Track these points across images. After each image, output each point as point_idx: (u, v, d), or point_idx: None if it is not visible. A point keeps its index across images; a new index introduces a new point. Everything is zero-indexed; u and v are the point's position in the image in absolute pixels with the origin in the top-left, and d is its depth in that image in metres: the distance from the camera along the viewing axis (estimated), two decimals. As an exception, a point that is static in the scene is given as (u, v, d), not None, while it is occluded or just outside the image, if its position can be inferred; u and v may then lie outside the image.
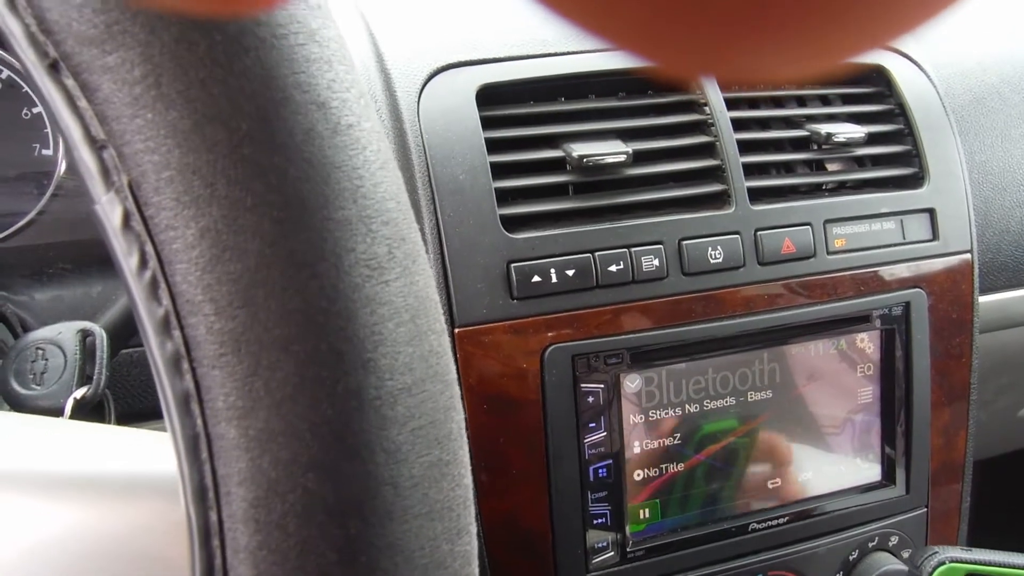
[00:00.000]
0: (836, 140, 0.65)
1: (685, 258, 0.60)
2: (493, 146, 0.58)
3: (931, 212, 0.68)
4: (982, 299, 0.73)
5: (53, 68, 0.23)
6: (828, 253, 0.65)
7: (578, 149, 0.59)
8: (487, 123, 0.58)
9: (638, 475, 0.61)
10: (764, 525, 0.65)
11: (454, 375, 0.27)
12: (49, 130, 0.60)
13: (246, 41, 0.22)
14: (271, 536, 0.22)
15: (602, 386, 0.59)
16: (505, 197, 0.58)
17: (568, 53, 0.63)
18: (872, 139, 0.67)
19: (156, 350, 0.23)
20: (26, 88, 0.60)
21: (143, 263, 0.23)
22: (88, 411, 0.41)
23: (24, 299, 0.55)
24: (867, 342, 0.67)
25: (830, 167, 0.69)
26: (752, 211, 0.62)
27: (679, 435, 0.62)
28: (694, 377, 0.62)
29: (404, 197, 0.27)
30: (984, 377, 0.74)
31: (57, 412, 0.40)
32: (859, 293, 0.66)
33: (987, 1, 0.87)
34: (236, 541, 0.23)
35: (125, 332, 0.46)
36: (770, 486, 0.66)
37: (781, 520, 0.66)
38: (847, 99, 0.70)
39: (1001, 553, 0.56)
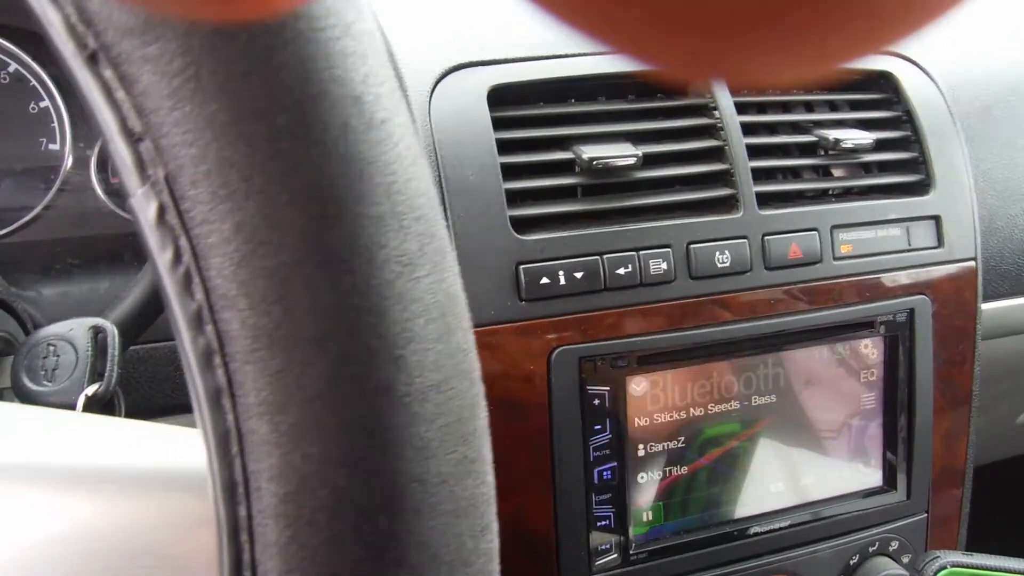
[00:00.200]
0: (844, 146, 0.65)
1: (693, 262, 0.60)
2: (503, 147, 0.58)
3: (937, 219, 0.68)
4: (984, 306, 0.73)
5: (92, 59, 0.23)
6: (834, 259, 0.65)
7: (588, 151, 0.59)
8: (498, 124, 0.58)
9: (642, 478, 0.61)
10: (766, 529, 0.65)
11: (479, 373, 0.27)
12: (56, 125, 0.60)
13: (284, 34, 0.22)
14: (301, 532, 0.22)
15: (608, 389, 0.59)
16: (514, 198, 0.58)
17: (579, 55, 0.63)
18: (879, 145, 0.68)
19: (188, 344, 0.23)
20: (33, 82, 0.60)
21: (177, 257, 0.23)
22: (99, 408, 0.41)
23: (32, 295, 0.55)
24: (871, 348, 0.67)
25: (836, 173, 0.69)
26: (760, 216, 0.63)
27: (683, 438, 0.62)
28: (699, 381, 0.62)
29: (433, 193, 0.27)
30: (983, 384, 0.74)
31: (69, 409, 0.40)
32: (864, 299, 0.66)
33: (994, 9, 0.88)
34: (265, 536, 0.22)
35: (134, 329, 0.45)
36: (772, 490, 0.66)
37: (783, 524, 0.66)
38: (855, 105, 0.70)
39: (1001, 558, 0.56)
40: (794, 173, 0.67)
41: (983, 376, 0.73)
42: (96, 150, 0.60)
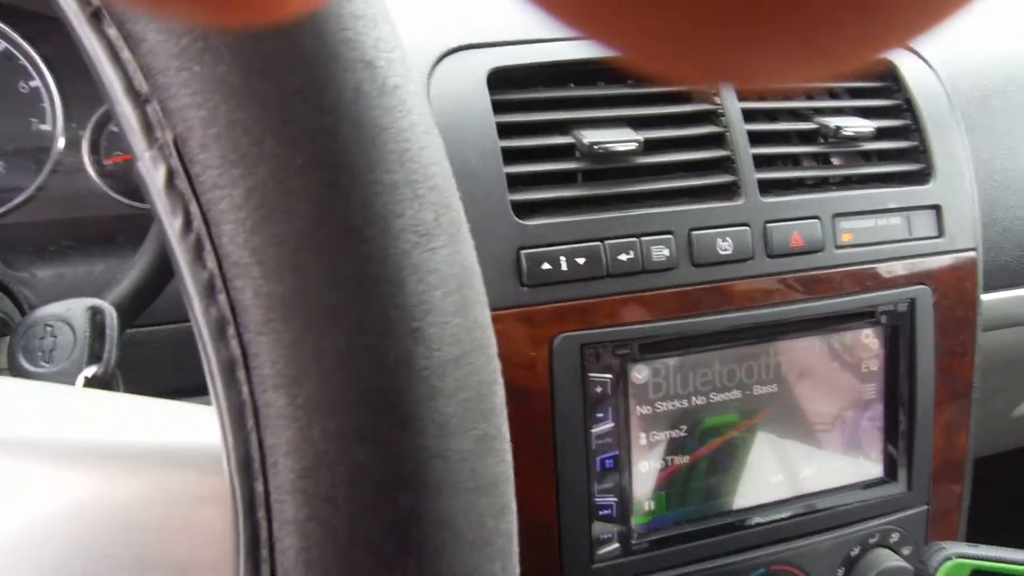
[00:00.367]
0: (844, 134, 0.65)
1: (695, 248, 0.60)
2: (504, 131, 0.57)
3: (937, 209, 0.68)
4: (983, 298, 0.73)
5: (95, 17, 0.22)
6: (836, 247, 0.64)
7: (589, 136, 0.58)
8: (498, 107, 0.58)
9: (644, 467, 0.61)
10: (766, 520, 0.65)
11: (496, 349, 0.27)
12: (47, 104, 0.59)
13: None
14: (319, 509, 0.21)
15: (610, 376, 0.58)
16: (515, 183, 0.57)
17: (579, 39, 0.62)
18: (880, 134, 0.67)
19: (200, 315, 0.22)
20: (23, 61, 0.58)
21: (187, 224, 0.22)
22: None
23: (26, 276, 0.54)
24: (872, 338, 0.67)
25: (837, 161, 0.69)
26: (762, 203, 0.62)
27: (685, 427, 0.62)
28: (701, 369, 0.62)
29: (447, 163, 0.26)
30: (981, 376, 0.74)
31: None
32: (865, 288, 0.65)
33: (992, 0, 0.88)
34: (283, 513, 0.22)
35: (132, 311, 0.44)
36: (773, 481, 0.65)
37: (784, 515, 0.65)
38: (855, 93, 0.70)
39: (1006, 550, 0.56)
40: (795, 161, 0.67)
41: (981, 368, 0.73)
42: (88, 131, 0.59)
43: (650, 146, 0.60)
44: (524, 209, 0.57)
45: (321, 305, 0.22)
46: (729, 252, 0.61)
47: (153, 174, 0.22)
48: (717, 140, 0.63)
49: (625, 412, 0.59)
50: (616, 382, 0.59)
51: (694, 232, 0.60)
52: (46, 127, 0.58)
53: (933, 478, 0.70)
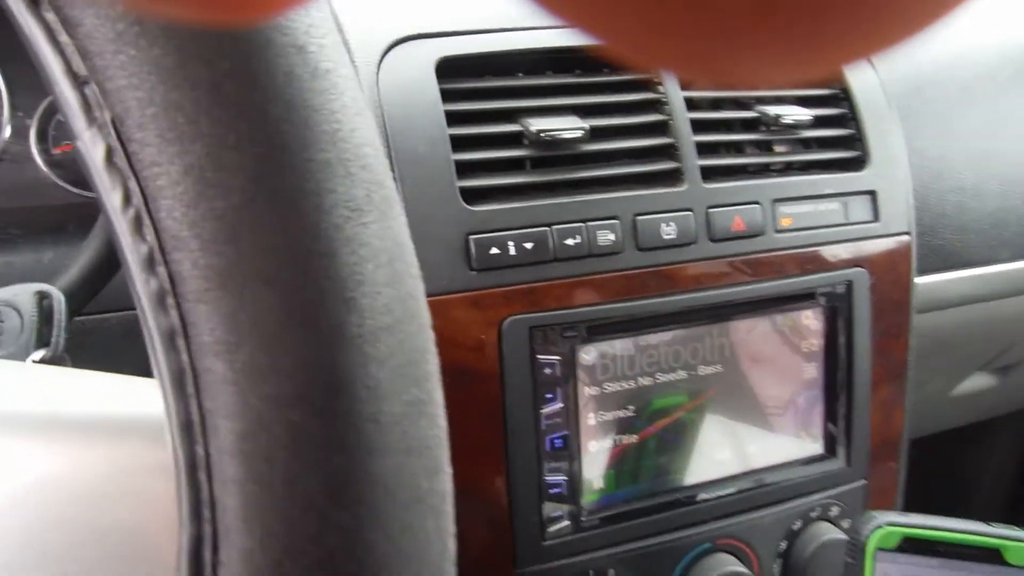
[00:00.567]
0: (784, 122, 0.67)
1: (640, 233, 0.62)
2: (452, 119, 0.58)
3: (872, 194, 0.71)
4: (918, 280, 0.75)
5: (33, 2, 0.23)
6: (776, 231, 0.67)
7: (535, 124, 0.60)
8: (446, 96, 0.59)
9: (593, 446, 0.62)
10: (713, 496, 0.67)
11: (429, 319, 0.28)
12: (-6, 95, 0.59)
13: None
14: (258, 468, 0.22)
15: (559, 358, 0.60)
16: (464, 170, 0.58)
17: (527, 28, 0.63)
18: (818, 122, 0.70)
19: (140, 287, 0.23)
20: (-31, 52, 0.58)
21: (127, 199, 0.23)
22: (45, 373, 0.40)
23: (-27, 264, 0.54)
24: (812, 319, 0.69)
25: (777, 148, 0.71)
26: (704, 189, 0.64)
27: (632, 407, 0.63)
28: (647, 351, 0.63)
29: (379, 145, 0.27)
30: (918, 358, 0.77)
31: None
32: (805, 271, 0.68)
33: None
34: (223, 473, 0.23)
35: (81, 296, 0.45)
36: (718, 458, 0.67)
37: (729, 491, 0.67)
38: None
39: (935, 518, 0.58)
40: (737, 148, 0.69)
41: (918, 351, 0.76)
42: (36, 120, 0.59)
43: (596, 134, 0.62)
44: (473, 195, 0.58)
45: (257, 275, 0.23)
46: (673, 236, 0.63)
47: (92, 152, 0.23)
48: (661, 128, 0.64)
49: (574, 393, 0.61)
50: (565, 364, 0.60)
51: (639, 217, 0.62)
52: (-8, 116, 0.58)
53: (871, 455, 0.73)
